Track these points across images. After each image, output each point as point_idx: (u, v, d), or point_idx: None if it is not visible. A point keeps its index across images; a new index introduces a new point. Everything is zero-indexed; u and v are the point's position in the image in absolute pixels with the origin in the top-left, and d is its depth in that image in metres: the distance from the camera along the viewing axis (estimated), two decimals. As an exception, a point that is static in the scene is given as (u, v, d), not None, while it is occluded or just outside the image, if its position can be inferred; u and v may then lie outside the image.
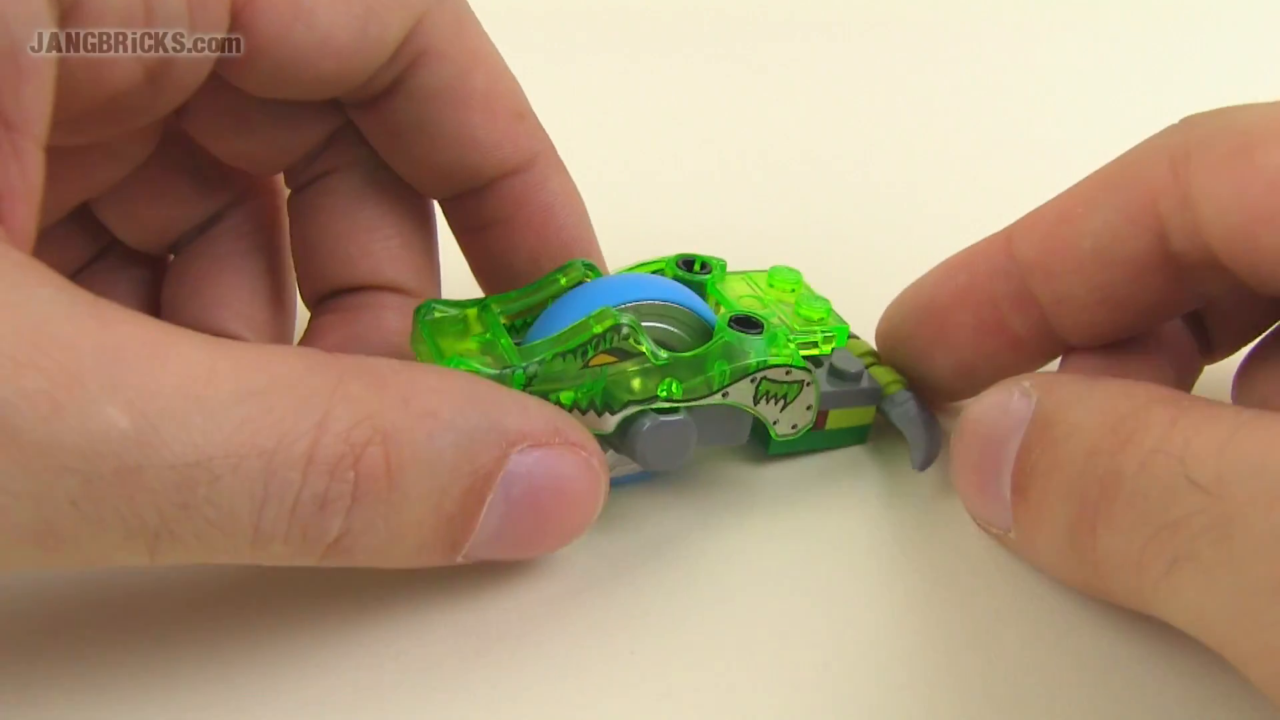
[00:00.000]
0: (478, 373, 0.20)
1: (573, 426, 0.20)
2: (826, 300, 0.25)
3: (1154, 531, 0.16)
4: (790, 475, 0.25)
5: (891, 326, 0.25)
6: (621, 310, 0.22)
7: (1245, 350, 0.23)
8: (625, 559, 0.22)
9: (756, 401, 0.23)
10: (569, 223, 0.25)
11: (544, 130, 0.25)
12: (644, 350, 0.21)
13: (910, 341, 0.25)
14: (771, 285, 0.26)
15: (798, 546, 0.23)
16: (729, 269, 0.26)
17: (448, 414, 0.18)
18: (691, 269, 0.25)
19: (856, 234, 0.36)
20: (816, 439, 0.25)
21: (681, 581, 0.22)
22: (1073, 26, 0.60)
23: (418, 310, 0.22)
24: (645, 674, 0.19)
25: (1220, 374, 0.24)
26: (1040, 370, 0.22)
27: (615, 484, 0.23)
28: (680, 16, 0.57)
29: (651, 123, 0.46)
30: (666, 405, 0.22)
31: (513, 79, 0.24)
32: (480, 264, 0.26)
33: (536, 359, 0.21)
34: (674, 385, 0.22)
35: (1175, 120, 0.21)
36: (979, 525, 0.21)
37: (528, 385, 0.21)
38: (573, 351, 0.21)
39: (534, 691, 0.19)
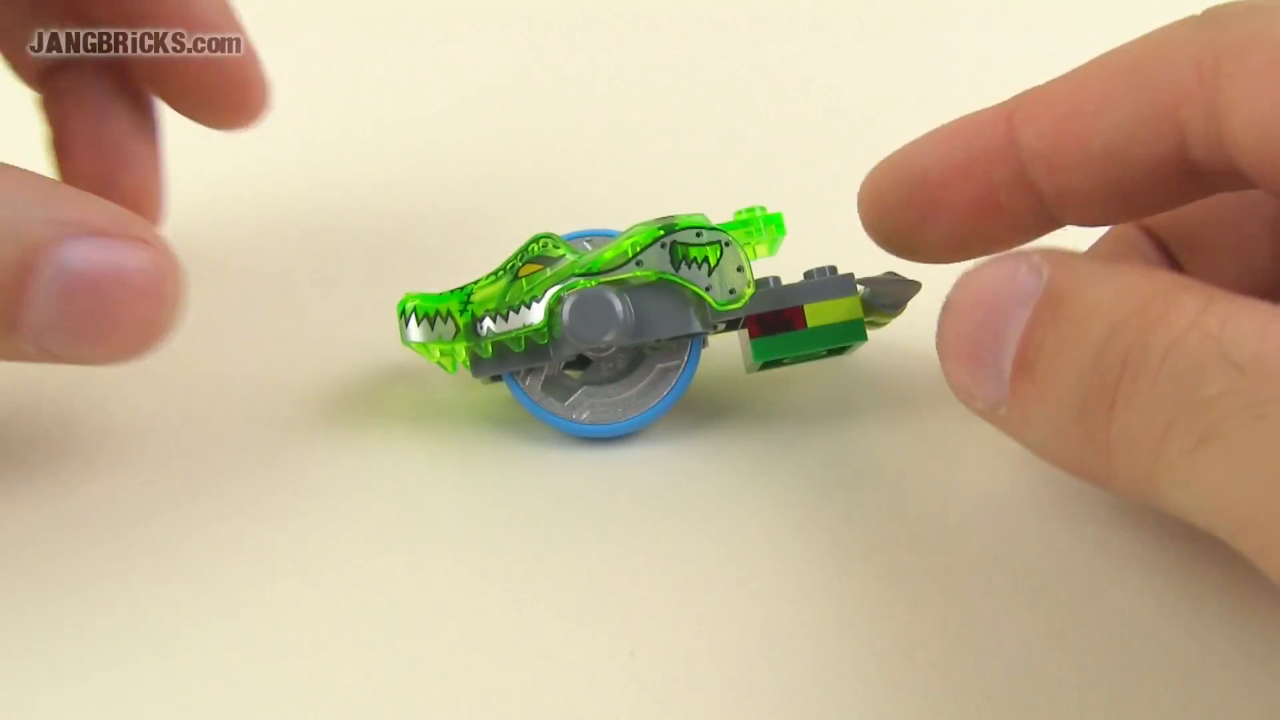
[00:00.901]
0: (431, 302, 0.24)
1: (139, 224, 0.20)
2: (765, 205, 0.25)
3: (1181, 410, 0.16)
4: (794, 464, 0.24)
5: (880, 193, 0.24)
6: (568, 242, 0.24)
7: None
8: (620, 552, 0.22)
9: (677, 268, 0.23)
10: None
11: None
12: (564, 254, 0.24)
13: (899, 211, 0.23)
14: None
15: (795, 541, 0.22)
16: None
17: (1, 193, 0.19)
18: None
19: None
20: (802, 340, 0.24)
21: (679, 576, 0.21)
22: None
23: (400, 302, 0.24)
24: (647, 674, 0.19)
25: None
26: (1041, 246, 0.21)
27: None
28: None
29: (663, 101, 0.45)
30: (583, 281, 0.23)
31: None
32: None
33: (475, 281, 0.24)
34: (590, 262, 0.24)
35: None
36: (960, 398, 0.20)
37: (468, 302, 0.24)
38: (505, 269, 0.24)
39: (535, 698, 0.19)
